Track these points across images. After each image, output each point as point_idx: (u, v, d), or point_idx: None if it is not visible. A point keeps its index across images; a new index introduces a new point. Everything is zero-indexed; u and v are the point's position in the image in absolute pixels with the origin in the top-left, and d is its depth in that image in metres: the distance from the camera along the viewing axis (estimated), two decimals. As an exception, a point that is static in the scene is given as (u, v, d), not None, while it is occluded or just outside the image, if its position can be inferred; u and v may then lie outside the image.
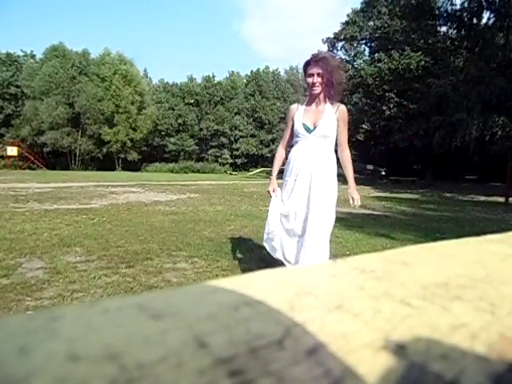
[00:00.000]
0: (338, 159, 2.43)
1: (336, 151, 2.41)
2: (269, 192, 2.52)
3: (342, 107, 2.34)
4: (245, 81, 45.66)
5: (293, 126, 2.39)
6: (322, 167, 2.29)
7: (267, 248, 2.52)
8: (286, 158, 2.55)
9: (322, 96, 2.29)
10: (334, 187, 2.34)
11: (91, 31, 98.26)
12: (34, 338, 0.19)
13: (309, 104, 2.36)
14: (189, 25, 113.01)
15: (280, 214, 2.41)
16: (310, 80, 2.25)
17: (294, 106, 2.45)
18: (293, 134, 2.43)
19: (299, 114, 2.36)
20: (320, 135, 2.29)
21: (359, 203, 2.39)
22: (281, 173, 2.59)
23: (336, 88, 2.27)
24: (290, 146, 2.56)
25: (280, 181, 2.52)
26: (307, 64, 2.27)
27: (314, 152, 2.30)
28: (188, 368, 0.17)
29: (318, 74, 2.21)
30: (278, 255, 2.42)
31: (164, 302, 0.24)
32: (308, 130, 2.31)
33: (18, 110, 37.34)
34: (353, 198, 2.38)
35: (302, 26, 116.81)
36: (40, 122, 33.53)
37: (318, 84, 2.23)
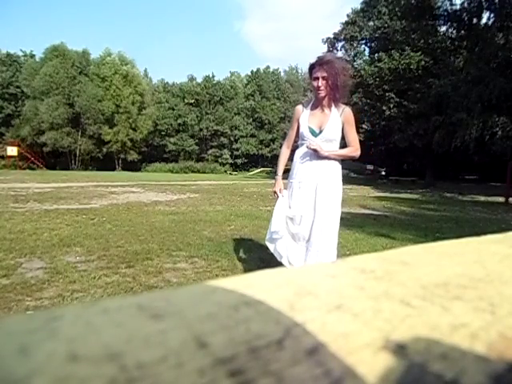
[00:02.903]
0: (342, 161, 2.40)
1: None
2: (275, 192, 2.49)
3: (347, 109, 2.33)
4: (245, 81, 45.71)
5: (298, 127, 2.39)
6: (327, 171, 2.29)
7: (270, 248, 2.49)
8: (290, 157, 2.54)
9: (327, 99, 2.29)
10: (339, 191, 2.33)
11: (91, 31, 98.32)
12: (34, 338, 0.19)
13: (314, 107, 2.36)
14: (189, 25, 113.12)
15: (286, 217, 2.38)
16: (315, 83, 2.25)
17: (299, 107, 2.44)
18: (298, 135, 2.42)
19: (305, 116, 2.35)
20: (326, 139, 2.29)
21: (313, 145, 2.24)
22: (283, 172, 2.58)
23: (341, 91, 2.27)
24: (294, 146, 2.54)
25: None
26: (312, 67, 2.27)
27: (319, 156, 2.29)
28: (188, 368, 0.17)
29: (323, 78, 2.21)
30: (283, 261, 2.38)
31: (164, 302, 0.24)
32: (314, 134, 2.31)
33: (18, 110, 37.34)
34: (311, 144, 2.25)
35: (303, 26, 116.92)
36: (40, 122, 33.54)
37: (323, 87, 2.22)
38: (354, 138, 2.37)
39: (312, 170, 2.30)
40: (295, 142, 2.54)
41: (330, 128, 2.28)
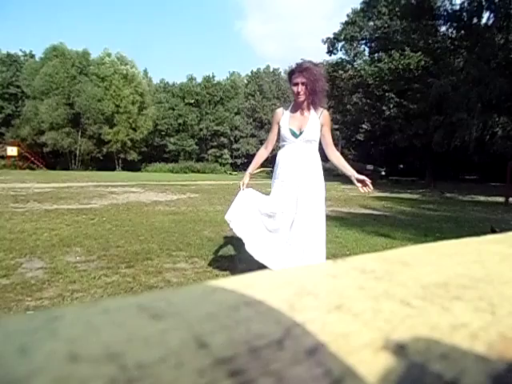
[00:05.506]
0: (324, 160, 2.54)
1: (318, 152, 2.51)
2: (239, 186, 2.61)
3: (325, 112, 2.47)
4: (245, 81, 45.68)
5: (279, 130, 2.50)
6: (308, 170, 2.41)
7: (243, 240, 2.48)
8: (268, 159, 2.68)
9: (306, 103, 2.41)
10: (321, 188, 2.44)
11: (91, 31, 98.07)
12: (34, 337, 0.19)
13: (294, 110, 2.47)
14: (189, 25, 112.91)
15: (263, 215, 2.45)
16: (294, 88, 2.36)
17: (279, 111, 2.55)
18: (278, 137, 2.54)
19: (285, 119, 2.47)
20: (305, 140, 2.40)
21: (370, 188, 2.37)
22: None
23: (319, 95, 2.39)
24: (276, 148, 2.67)
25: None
26: (292, 73, 2.39)
27: (300, 156, 2.41)
28: (188, 368, 0.17)
29: (303, 83, 2.32)
30: (260, 259, 2.35)
31: (164, 302, 0.24)
32: (294, 135, 2.42)
33: (18, 110, 37.29)
34: (364, 181, 2.37)
35: (303, 26, 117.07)
36: (40, 122, 33.50)
37: (302, 93, 2.34)
38: (331, 139, 2.54)
39: (294, 171, 2.40)
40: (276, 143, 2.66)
41: (309, 129, 2.39)
